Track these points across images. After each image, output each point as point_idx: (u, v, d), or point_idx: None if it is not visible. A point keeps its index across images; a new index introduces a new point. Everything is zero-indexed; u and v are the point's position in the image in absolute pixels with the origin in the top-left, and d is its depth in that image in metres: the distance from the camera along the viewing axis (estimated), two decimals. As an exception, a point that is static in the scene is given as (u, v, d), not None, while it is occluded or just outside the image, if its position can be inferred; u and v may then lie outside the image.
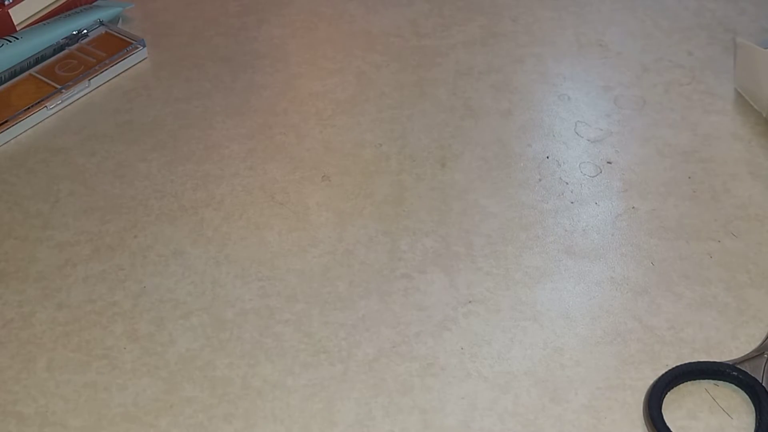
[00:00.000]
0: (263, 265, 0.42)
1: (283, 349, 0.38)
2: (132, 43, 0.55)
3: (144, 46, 0.55)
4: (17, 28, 0.56)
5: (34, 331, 0.40)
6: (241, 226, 0.44)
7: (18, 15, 0.56)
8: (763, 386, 0.36)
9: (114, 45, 0.55)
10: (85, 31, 0.56)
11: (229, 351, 0.38)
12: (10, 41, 0.54)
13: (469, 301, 0.40)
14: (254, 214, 0.45)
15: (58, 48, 0.55)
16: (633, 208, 0.45)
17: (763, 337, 0.38)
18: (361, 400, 0.36)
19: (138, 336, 0.39)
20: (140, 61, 0.55)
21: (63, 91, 0.52)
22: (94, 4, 0.59)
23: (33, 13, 0.57)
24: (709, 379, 0.37)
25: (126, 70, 0.55)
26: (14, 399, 0.37)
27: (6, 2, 0.55)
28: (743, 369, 0.36)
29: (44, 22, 0.57)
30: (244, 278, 0.42)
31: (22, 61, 0.54)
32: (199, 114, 0.51)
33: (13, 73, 0.54)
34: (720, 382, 0.37)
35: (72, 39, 0.56)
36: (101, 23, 0.57)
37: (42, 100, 0.52)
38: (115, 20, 0.58)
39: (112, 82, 0.54)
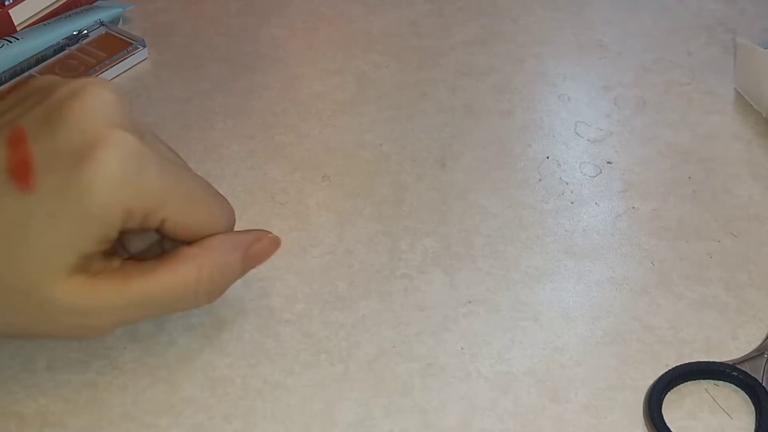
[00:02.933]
0: (263, 265, 0.42)
1: (283, 349, 0.38)
2: (132, 44, 0.55)
3: (144, 46, 0.55)
4: (17, 29, 0.56)
5: (34, 331, 0.39)
6: (241, 226, 0.44)
7: (18, 15, 0.56)
8: (763, 386, 0.36)
9: (114, 45, 0.55)
10: (85, 31, 0.56)
11: (229, 351, 0.38)
12: (11, 41, 0.54)
13: (469, 301, 0.40)
14: (254, 214, 0.45)
15: (59, 48, 0.55)
16: (633, 208, 0.45)
17: (763, 337, 0.38)
18: (361, 400, 0.36)
19: (138, 336, 0.39)
20: (141, 62, 0.55)
21: None
22: (95, 4, 0.59)
23: (33, 13, 0.57)
24: (709, 379, 0.37)
25: (126, 70, 0.55)
26: (14, 399, 0.37)
27: (6, 2, 0.55)
28: (743, 369, 0.36)
29: (44, 22, 0.57)
30: (244, 278, 0.41)
31: (22, 62, 0.54)
32: (199, 114, 0.51)
33: (14, 73, 0.54)
34: (720, 382, 0.37)
35: (72, 39, 0.56)
36: (101, 24, 0.57)
37: None
38: (115, 21, 0.58)
39: (112, 83, 0.54)
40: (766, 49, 0.48)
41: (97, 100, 0.32)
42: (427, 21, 0.58)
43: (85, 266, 0.33)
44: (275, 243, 0.38)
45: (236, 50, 0.56)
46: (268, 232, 0.38)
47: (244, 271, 0.37)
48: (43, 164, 0.32)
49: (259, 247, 0.38)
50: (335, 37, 0.57)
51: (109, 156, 0.31)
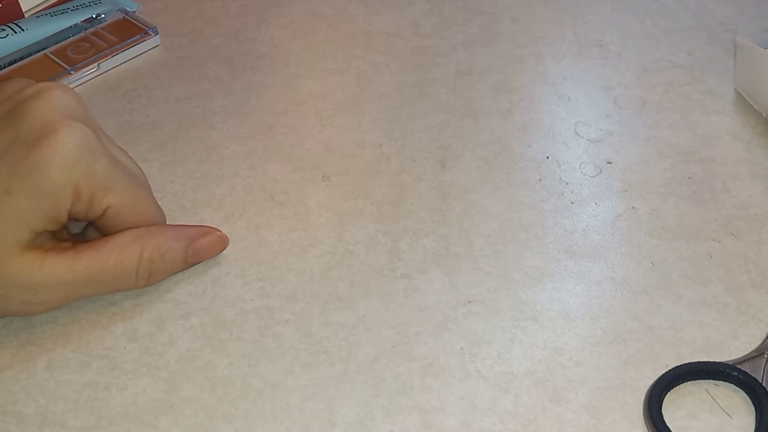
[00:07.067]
0: (263, 265, 0.42)
1: (283, 349, 0.38)
2: (144, 30, 0.56)
3: (156, 33, 0.56)
4: (25, 15, 0.57)
5: (34, 331, 0.39)
6: (241, 226, 0.44)
7: (27, 2, 0.57)
8: (763, 386, 0.36)
9: (127, 31, 0.56)
10: (103, 15, 0.57)
11: (229, 351, 0.38)
12: (16, 31, 0.55)
13: (469, 301, 0.40)
14: (254, 214, 0.45)
15: (76, 31, 0.56)
16: (633, 208, 0.45)
17: (763, 337, 0.38)
18: (361, 400, 0.36)
19: (138, 336, 0.39)
20: (152, 48, 0.56)
21: (71, 72, 0.53)
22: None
23: (41, 1, 0.58)
24: (709, 379, 0.37)
25: (135, 56, 0.55)
26: (14, 399, 0.37)
27: None
28: (743, 369, 0.36)
29: (51, 11, 0.57)
30: (244, 278, 0.42)
31: (35, 42, 0.55)
32: (199, 114, 0.51)
33: (29, 52, 0.55)
34: (720, 382, 0.37)
35: (89, 22, 0.57)
36: (119, 9, 0.58)
37: (50, 81, 0.52)
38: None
39: (112, 82, 0.54)
40: (766, 49, 0.48)
41: (58, 99, 0.36)
42: (427, 21, 0.58)
43: (36, 243, 0.35)
44: (222, 241, 0.41)
45: (236, 50, 0.56)
46: (216, 229, 0.41)
47: (186, 261, 0.40)
48: (4, 149, 0.35)
49: (205, 242, 0.40)
50: (335, 37, 0.57)
51: (65, 138, 0.34)
